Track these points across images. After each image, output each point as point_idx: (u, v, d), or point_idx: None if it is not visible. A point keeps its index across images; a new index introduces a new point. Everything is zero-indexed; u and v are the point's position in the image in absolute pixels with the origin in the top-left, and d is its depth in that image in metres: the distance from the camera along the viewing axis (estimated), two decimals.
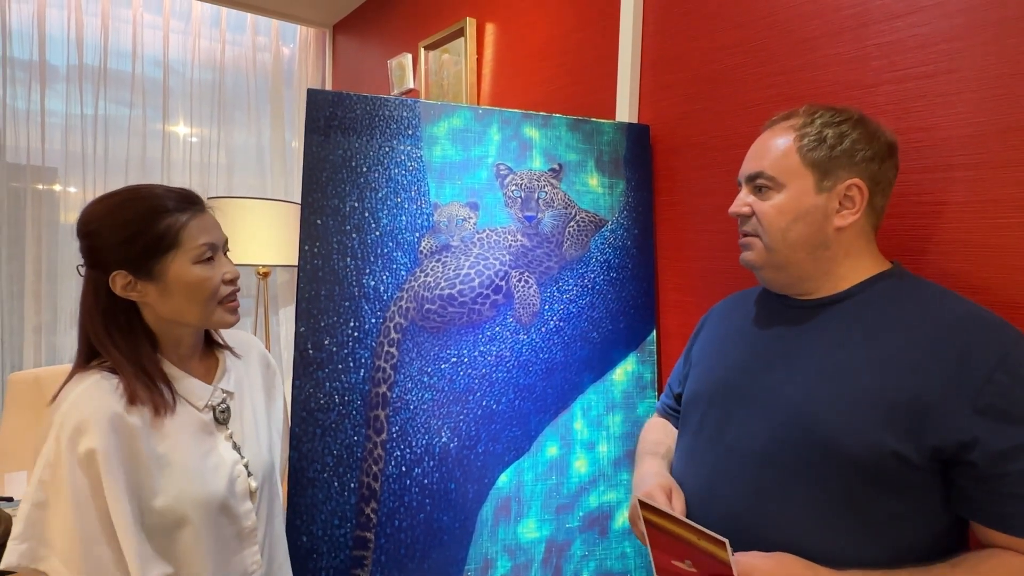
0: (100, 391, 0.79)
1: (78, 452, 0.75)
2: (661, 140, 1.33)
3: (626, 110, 1.36)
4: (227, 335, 1.01)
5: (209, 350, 0.98)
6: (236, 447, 0.93)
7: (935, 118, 0.91)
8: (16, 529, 0.74)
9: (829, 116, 0.80)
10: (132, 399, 0.81)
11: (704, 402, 0.88)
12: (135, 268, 0.84)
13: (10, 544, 0.73)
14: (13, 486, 1.57)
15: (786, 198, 0.80)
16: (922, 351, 0.70)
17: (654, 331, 1.31)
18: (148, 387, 0.83)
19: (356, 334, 1.12)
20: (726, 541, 0.65)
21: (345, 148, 1.14)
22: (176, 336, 0.90)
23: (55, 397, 0.81)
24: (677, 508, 0.81)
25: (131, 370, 0.82)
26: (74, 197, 2.39)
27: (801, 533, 0.72)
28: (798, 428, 0.74)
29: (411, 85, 2.15)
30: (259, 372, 1.04)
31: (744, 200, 0.85)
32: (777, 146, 0.81)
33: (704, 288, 1.25)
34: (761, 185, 0.82)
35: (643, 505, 0.76)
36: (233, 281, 0.90)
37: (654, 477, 0.87)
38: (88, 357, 0.85)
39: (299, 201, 1.18)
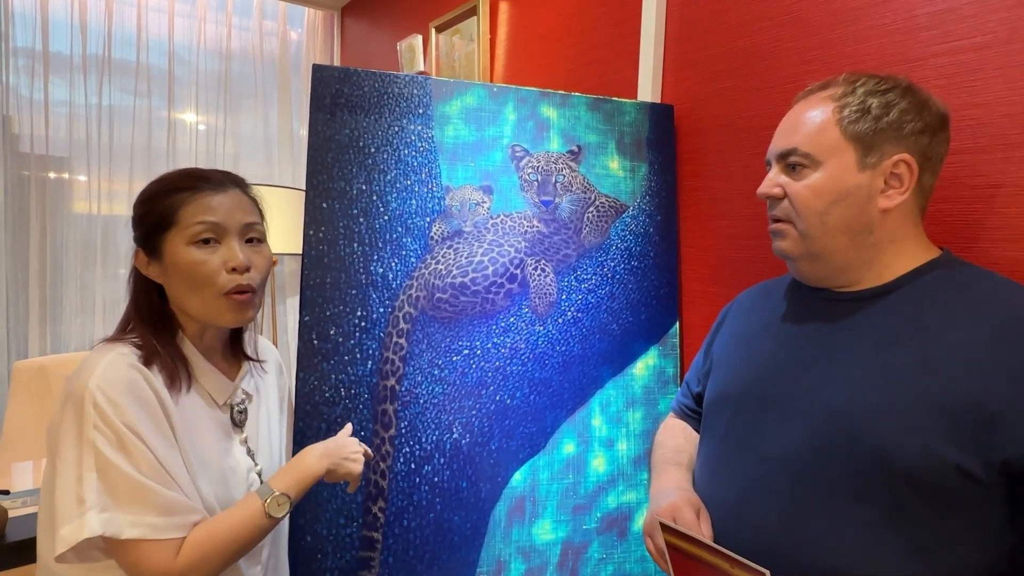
0: (127, 359, 0.76)
1: (123, 416, 0.72)
2: (686, 121, 1.26)
3: (649, 89, 1.29)
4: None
5: (235, 355, 0.92)
6: (250, 453, 0.88)
7: (992, 93, 0.83)
8: (89, 497, 0.70)
9: (873, 84, 0.72)
10: (148, 362, 0.77)
11: (730, 406, 0.81)
12: (145, 246, 0.81)
13: (89, 513, 0.69)
14: (20, 478, 1.54)
15: (824, 177, 0.72)
16: (984, 349, 0.63)
17: (677, 323, 1.24)
18: (163, 360, 0.80)
19: (363, 324, 1.06)
20: (766, 573, 0.57)
21: (352, 127, 1.08)
22: (197, 328, 0.84)
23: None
24: (704, 532, 0.74)
25: (152, 344, 0.80)
26: (80, 186, 2.36)
27: (845, 554, 0.65)
28: (842, 436, 0.67)
29: (421, 68, 2.08)
30: (275, 381, 0.99)
31: (775, 180, 0.77)
32: (813, 119, 0.74)
33: (731, 278, 1.18)
34: (795, 163, 0.74)
35: (665, 528, 0.68)
36: (238, 270, 0.80)
37: (678, 492, 0.80)
38: (125, 328, 0.83)
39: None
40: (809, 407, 0.71)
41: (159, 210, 0.80)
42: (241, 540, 0.77)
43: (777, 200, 0.77)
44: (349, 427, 0.95)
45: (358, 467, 0.88)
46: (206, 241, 0.80)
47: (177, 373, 0.80)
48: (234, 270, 0.80)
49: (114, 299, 2.37)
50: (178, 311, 0.83)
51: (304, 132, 2.77)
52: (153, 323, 0.82)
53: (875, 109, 0.71)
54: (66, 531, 0.69)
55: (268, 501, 0.78)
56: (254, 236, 0.84)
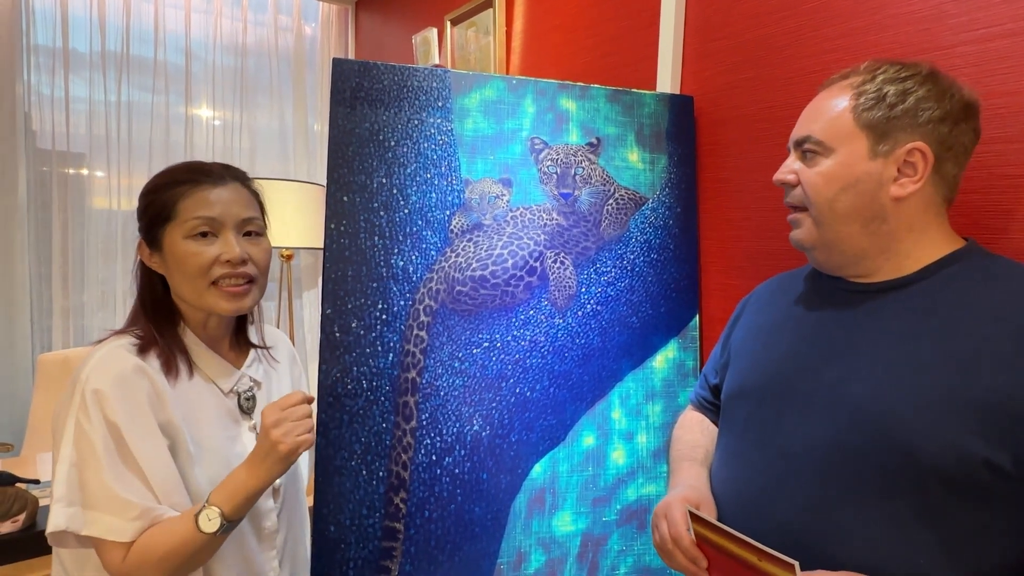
0: (124, 351, 0.79)
1: (105, 409, 0.74)
2: (706, 112, 1.25)
3: (668, 80, 1.28)
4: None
5: (241, 344, 0.94)
6: None
7: (1022, 81, 0.82)
8: (58, 491, 0.73)
9: (894, 71, 0.72)
10: (144, 349, 0.80)
11: (751, 399, 0.81)
12: (146, 238, 0.85)
13: (55, 506, 0.72)
14: (47, 467, 1.57)
15: (834, 164, 0.72)
16: (1013, 343, 0.62)
17: (697, 316, 1.24)
18: (160, 348, 0.82)
19: (384, 317, 1.07)
20: (795, 564, 0.57)
21: (372, 121, 1.08)
22: (199, 317, 0.87)
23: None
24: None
25: (151, 332, 0.83)
26: (99, 182, 2.39)
27: (870, 550, 0.64)
28: (867, 432, 0.66)
29: (436, 61, 2.08)
30: (287, 368, 1.01)
31: (790, 167, 0.77)
32: (831, 107, 0.74)
33: (751, 271, 1.17)
34: (808, 150, 0.75)
35: (694, 517, 0.68)
36: (231, 263, 0.83)
37: (681, 490, 0.80)
38: (132, 322, 0.86)
39: (322, 182, 1.13)
40: (832, 401, 0.70)
41: (160, 203, 0.83)
42: (176, 552, 0.74)
43: (791, 187, 0.77)
44: (297, 395, 0.83)
45: (301, 439, 0.78)
46: (203, 235, 0.82)
47: (174, 360, 0.82)
48: (228, 262, 0.83)
49: (134, 293, 2.40)
50: (179, 301, 0.86)
51: (319, 127, 2.79)
52: (155, 313, 0.84)
53: (891, 97, 0.70)
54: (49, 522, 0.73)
55: (199, 514, 0.75)
56: (252, 230, 0.87)
